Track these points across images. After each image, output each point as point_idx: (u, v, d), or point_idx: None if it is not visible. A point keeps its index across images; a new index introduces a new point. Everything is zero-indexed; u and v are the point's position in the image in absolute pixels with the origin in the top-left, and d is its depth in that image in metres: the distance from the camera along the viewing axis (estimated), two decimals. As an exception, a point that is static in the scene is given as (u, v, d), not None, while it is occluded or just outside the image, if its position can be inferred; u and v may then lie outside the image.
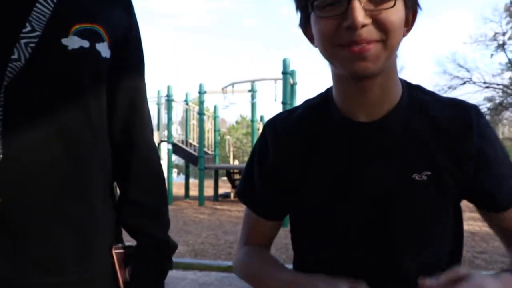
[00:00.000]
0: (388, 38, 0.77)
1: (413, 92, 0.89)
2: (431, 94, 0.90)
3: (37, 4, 0.84)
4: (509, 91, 36.24)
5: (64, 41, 0.85)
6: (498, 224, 0.89)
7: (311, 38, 0.87)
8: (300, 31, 0.90)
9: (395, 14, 0.77)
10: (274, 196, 0.97)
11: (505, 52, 37.07)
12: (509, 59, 36.32)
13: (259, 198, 0.99)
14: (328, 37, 0.78)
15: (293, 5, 0.86)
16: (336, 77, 0.87)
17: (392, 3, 0.76)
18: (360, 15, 0.74)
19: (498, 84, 36.85)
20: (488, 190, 0.85)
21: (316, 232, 0.92)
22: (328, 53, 0.81)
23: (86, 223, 0.89)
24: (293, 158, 0.92)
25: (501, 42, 37.43)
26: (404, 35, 0.83)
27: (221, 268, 5.02)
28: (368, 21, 0.75)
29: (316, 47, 0.85)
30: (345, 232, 0.88)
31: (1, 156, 0.80)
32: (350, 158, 0.87)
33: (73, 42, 0.85)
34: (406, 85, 0.90)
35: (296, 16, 0.88)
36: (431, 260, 0.87)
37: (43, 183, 0.84)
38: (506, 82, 37.70)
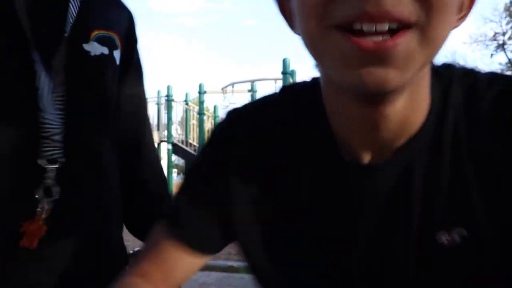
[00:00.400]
0: (430, 22, 0.41)
1: (453, 99, 0.52)
2: (492, 89, 0.52)
3: (70, 5, 0.83)
4: (509, 91, 36.13)
5: (86, 46, 0.84)
6: None
7: (289, 18, 0.52)
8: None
9: None
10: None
11: (505, 52, 37.04)
12: (509, 59, 36.32)
13: (201, 223, 0.65)
14: (317, 5, 0.42)
15: None
16: (328, 87, 0.53)
17: None
18: None
19: (498, 84, 36.82)
20: None
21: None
22: (314, 43, 0.46)
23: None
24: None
25: (501, 42, 37.42)
26: (455, 26, 0.48)
27: (221, 268, 5.01)
28: None
29: (297, 33, 0.50)
30: None
31: (63, 160, 0.80)
32: (347, 215, 0.55)
33: (94, 48, 0.85)
34: (441, 88, 0.53)
35: None
36: None
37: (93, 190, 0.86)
38: (506, 82, 37.66)
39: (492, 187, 0.49)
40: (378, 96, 0.45)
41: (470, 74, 0.54)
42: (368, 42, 0.39)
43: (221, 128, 0.65)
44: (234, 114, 0.64)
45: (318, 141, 0.55)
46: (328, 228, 0.56)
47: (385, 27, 0.39)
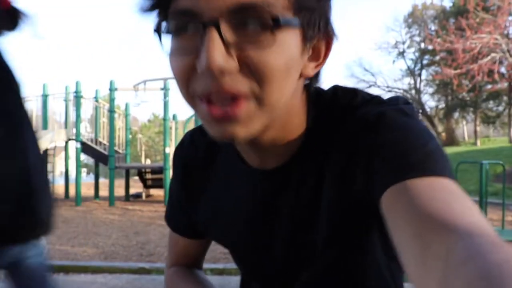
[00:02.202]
0: (263, 92, 0.52)
1: (324, 116, 0.66)
2: (354, 108, 0.65)
3: None
4: (408, 95, 38.93)
5: None
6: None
7: None
8: None
9: (275, 53, 0.51)
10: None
11: (404, 60, 39.83)
12: (408, 66, 39.06)
13: (180, 219, 0.89)
14: (182, 81, 0.55)
15: None
16: None
17: (268, 36, 0.50)
18: (219, 53, 0.49)
19: (399, 89, 39.51)
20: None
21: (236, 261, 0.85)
22: (189, 104, 0.57)
23: None
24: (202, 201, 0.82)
25: (401, 50, 39.99)
26: (308, 76, 0.60)
27: (132, 270, 4.93)
28: (232, 64, 0.50)
29: None
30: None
31: None
32: (252, 209, 0.73)
33: None
34: (318, 108, 0.67)
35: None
36: None
37: None
38: (405, 87, 40.46)
39: (338, 188, 0.64)
40: (232, 143, 0.61)
41: (335, 100, 0.68)
42: (218, 109, 0.53)
43: (176, 149, 0.85)
44: (185, 138, 0.83)
45: (232, 157, 0.73)
46: (244, 222, 0.75)
47: (228, 99, 0.52)
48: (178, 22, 0.53)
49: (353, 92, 0.67)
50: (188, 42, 0.52)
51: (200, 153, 0.79)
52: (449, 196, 0.48)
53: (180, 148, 0.83)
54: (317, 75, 0.64)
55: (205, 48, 0.49)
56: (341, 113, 0.65)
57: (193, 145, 0.80)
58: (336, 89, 0.69)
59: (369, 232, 0.67)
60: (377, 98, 0.66)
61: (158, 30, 0.55)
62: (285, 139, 0.64)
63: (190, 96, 0.56)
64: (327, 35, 0.60)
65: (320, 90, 0.69)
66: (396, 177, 0.53)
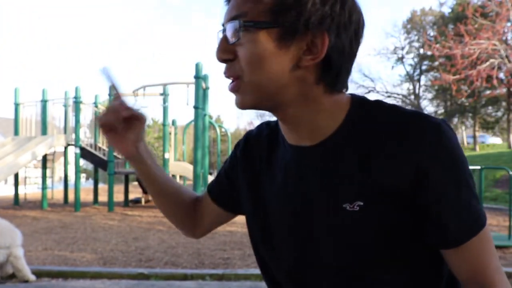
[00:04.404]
0: (243, 75, 0.74)
1: (361, 112, 0.79)
2: (385, 110, 0.78)
3: None
4: (407, 100, 38.99)
5: None
6: (451, 262, 0.76)
7: None
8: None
9: (248, 49, 0.72)
10: (225, 188, 1.00)
11: (403, 65, 39.91)
12: (407, 72, 39.14)
13: (215, 180, 1.04)
14: None
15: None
16: None
17: (235, 36, 0.73)
18: (220, 49, 0.75)
19: (398, 94, 39.59)
20: (437, 221, 0.72)
21: (255, 239, 0.93)
22: None
23: None
24: (247, 177, 0.93)
25: (400, 55, 40.12)
26: (305, 66, 0.74)
27: (131, 276, 4.92)
28: (229, 56, 0.75)
29: None
30: (276, 245, 0.88)
31: None
32: (289, 180, 0.84)
33: None
34: (356, 104, 0.80)
35: None
36: None
37: None
38: (405, 92, 40.58)
39: (372, 172, 0.74)
40: (241, 109, 0.80)
41: (372, 104, 0.80)
42: (229, 86, 0.77)
43: (245, 134, 1.01)
44: (251, 130, 1.00)
45: (277, 137, 0.90)
46: (277, 187, 0.86)
47: (230, 79, 0.77)
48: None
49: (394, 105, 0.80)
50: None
51: (262, 136, 0.94)
52: (490, 247, 0.74)
53: (249, 130, 1.00)
54: (336, 75, 0.76)
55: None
56: (382, 111, 0.78)
57: (259, 129, 0.97)
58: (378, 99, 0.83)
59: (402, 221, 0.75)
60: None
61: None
62: (319, 123, 0.78)
63: None
64: (319, 31, 0.72)
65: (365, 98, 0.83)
66: (455, 238, 0.73)
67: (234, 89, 0.77)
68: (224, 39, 0.75)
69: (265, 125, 0.96)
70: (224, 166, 1.02)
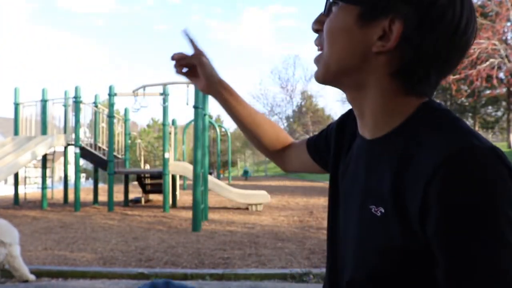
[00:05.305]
0: (323, 47, 0.78)
1: (419, 121, 0.73)
2: (440, 123, 0.70)
3: None
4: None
5: None
6: None
7: None
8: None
9: (330, 22, 0.76)
10: (319, 146, 1.10)
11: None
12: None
13: (317, 135, 1.13)
14: None
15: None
16: None
17: (327, 8, 0.78)
18: (315, 19, 0.81)
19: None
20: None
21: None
22: None
23: None
24: (335, 154, 0.97)
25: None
26: (381, 50, 0.72)
27: (131, 276, 4.92)
28: (317, 26, 0.80)
29: None
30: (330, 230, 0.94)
31: None
32: (351, 163, 0.88)
33: None
34: (420, 111, 0.74)
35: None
36: None
37: None
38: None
39: (407, 181, 0.68)
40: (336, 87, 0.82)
41: (433, 116, 0.73)
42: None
43: (347, 111, 1.01)
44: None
45: (354, 127, 0.89)
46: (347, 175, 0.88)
47: (318, 48, 0.81)
48: None
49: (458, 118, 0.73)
50: None
51: (350, 120, 0.96)
52: None
53: (348, 113, 1.00)
54: (407, 72, 0.72)
55: None
56: (437, 125, 0.70)
57: (351, 112, 0.96)
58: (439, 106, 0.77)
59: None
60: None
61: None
62: (372, 107, 0.78)
63: None
64: (397, 19, 0.69)
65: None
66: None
67: (315, 59, 0.81)
68: (323, 11, 0.80)
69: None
70: (327, 128, 1.09)
